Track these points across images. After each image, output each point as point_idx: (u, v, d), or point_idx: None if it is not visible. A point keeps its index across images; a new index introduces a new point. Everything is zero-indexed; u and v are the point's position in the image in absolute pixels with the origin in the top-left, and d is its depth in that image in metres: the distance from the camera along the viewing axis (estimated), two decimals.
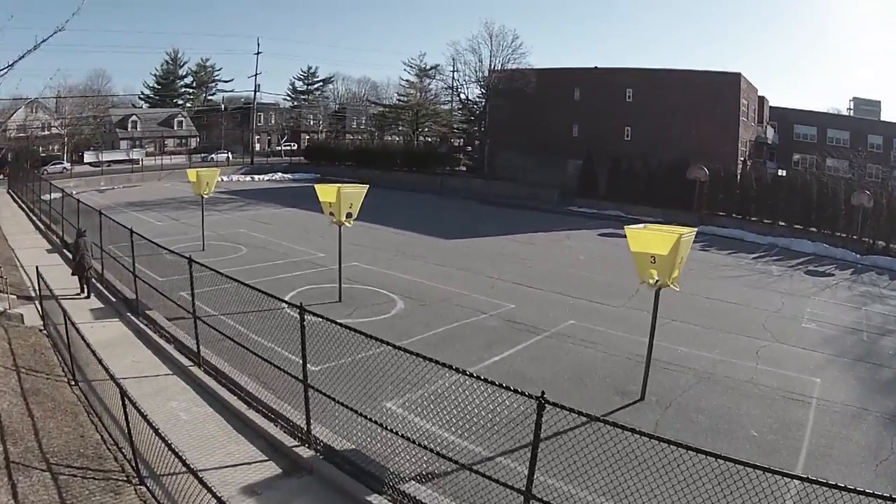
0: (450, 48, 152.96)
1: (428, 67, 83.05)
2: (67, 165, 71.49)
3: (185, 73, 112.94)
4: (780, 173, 49.75)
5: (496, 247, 30.31)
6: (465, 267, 25.02)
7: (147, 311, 17.66)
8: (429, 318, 17.48)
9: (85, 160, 76.86)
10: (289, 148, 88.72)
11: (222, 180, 60.44)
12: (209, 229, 30.19)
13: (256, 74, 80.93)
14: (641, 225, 13.33)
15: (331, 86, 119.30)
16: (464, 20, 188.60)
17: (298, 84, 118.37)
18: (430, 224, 36.89)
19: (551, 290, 21.97)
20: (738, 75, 48.52)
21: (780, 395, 13.45)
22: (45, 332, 16.51)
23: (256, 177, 65.14)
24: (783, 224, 38.44)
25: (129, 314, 17.67)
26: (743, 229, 38.81)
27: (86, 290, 20.24)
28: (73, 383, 12.80)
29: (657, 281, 12.54)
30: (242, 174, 66.80)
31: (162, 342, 15.28)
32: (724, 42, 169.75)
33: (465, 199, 52.18)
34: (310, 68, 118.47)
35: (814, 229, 37.08)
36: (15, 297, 19.04)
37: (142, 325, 16.66)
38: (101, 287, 20.78)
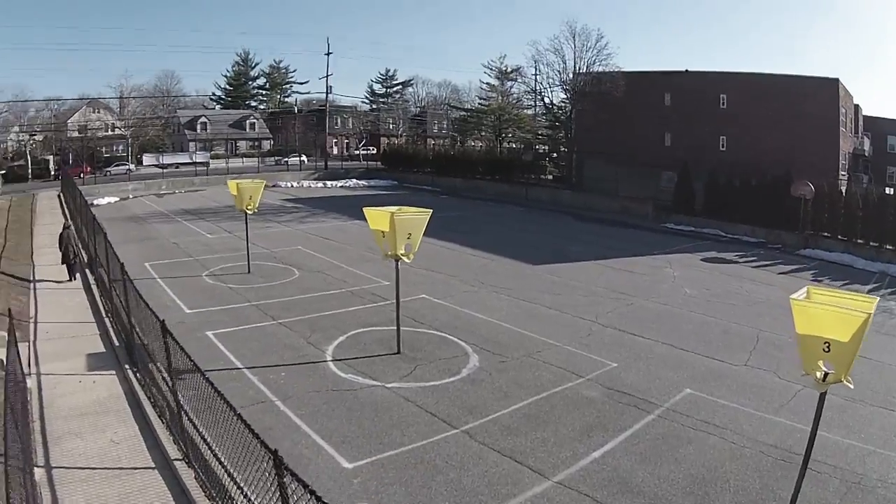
0: (530, 48, 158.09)
1: (508, 70, 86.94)
2: (132, 167, 76.31)
3: (256, 75, 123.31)
4: (887, 191, 47.53)
5: (591, 275, 28.45)
6: (556, 303, 23.13)
7: (151, 364, 15.63)
8: (509, 383, 15.47)
9: (144, 162, 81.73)
10: (367, 152, 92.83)
11: (291, 186, 62.83)
12: (263, 245, 31.34)
13: (328, 76, 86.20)
14: (803, 290, 10.15)
15: (410, 89, 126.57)
16: (545, 19, 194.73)
17: (377, 87, 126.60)
18: (515, 243, 35.59)
19: (659, 338, 19.71)
20: (835, 81, 47.94)
21: None
22: (25, 384, 14.64)
23: (329, 183, 66.85)
24: (890, 248, 36.85)
25: (126, 365, 15.92)
26: (850, 253, 37.42)
27: (72, 277, 23.96)
28: (28, 471, 10.71)
29: (826, 375, 9.43)
30: (314, 179, 68.83)
31: (152, 415, 13.23)
32: (795, 42, 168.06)
33: (552, 212, 51.30)
34: (388, 70, 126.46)
35: None
36: (4, 334, 17.44)
37: (136, 385, 14.79)
38: (108, 323, 19.38)
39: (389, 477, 10.91)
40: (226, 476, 9.37)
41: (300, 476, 5.55)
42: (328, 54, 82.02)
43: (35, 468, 11.09)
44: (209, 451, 9.92)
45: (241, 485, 8.56)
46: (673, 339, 19.62)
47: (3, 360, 15.79)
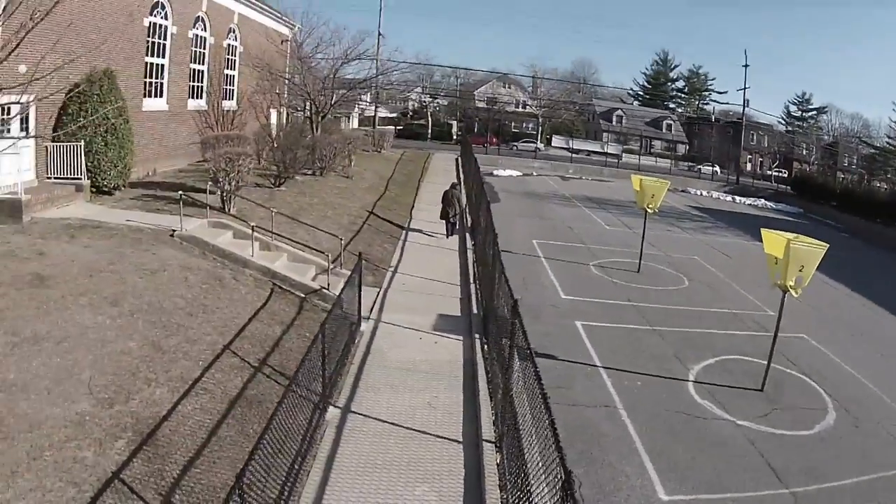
0: None
1: None
2: (540, 146, 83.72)
3: (675, 77, 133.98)
4: None
5: None
6: None
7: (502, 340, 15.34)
8: (854, 452, 14.71)
9: (553, 143, 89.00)
10: (778, 174, 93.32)
11: (700, 194, 66.25)
12: (661, 248, 32.39)
13: (745, 89, 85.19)
14: None
15: (824, 116, 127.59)
16: None
17: (793, 108, 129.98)
18: None
19: None
20: None
21: None
22: (358, 326, 15.21)
23: (738, 198, 69.89)
24: None
25: (477, 335, 15.99)
26: None
27: (449, 234, 27.12)
28: (322, 407, 10.76)
29: None
30: (724, 192, 72.10)
31: (483, 390, 12.97)
32: None
33: None
34: (804, 94, 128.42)
35: None
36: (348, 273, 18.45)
37: (479, 357, 14.68)
38: (473, 289, 19.92)
39: None
40: (521, 471, 8.61)
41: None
42: (745, 66, 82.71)
43: (331, 406, 11.15)
44: (516, 442, 9.29)
45: (531, 486, 7.98)
46: None
47: (342, 300, 16.57)
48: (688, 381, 16.69)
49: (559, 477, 6.33)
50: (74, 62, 16.45)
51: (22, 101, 10.87)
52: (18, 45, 10.11)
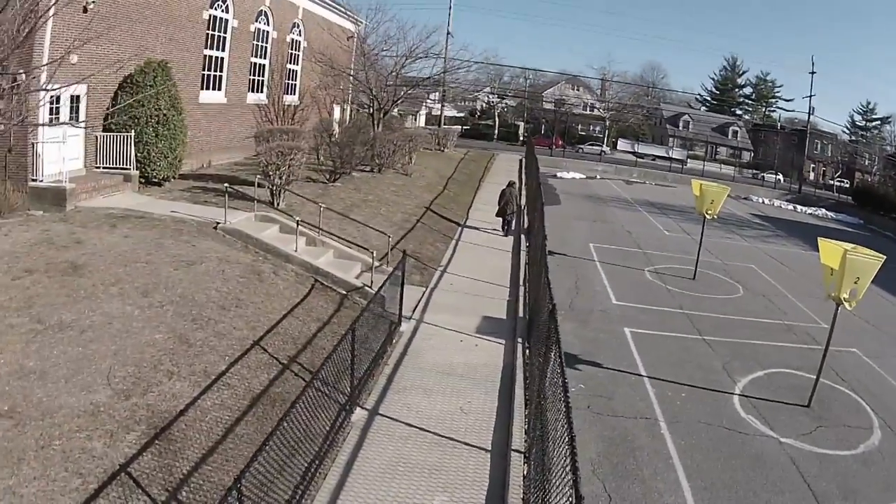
0: None
1: None
2: (606, 149, 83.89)
3: (743, 83, 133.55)
4: None
5: None
6: None
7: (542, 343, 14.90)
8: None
9: (618, 147, 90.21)
10: (840, 184, 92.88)
11: (762, 202, 65.91)
12: (718, 256, 32.02)
13: (811, 96, 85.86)
14: None
15: (887, 126, 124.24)
16: None
17: (857, 118, 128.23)
18: None
19: None
20: None
21: None
22: (398, 326, 14.96)
23: (799, 207, 70.24)
24: None
25: (520, 339, 15.55)
26: None
27: (504, 230, 27.66)
28: (348, 408, 10.51)
29: None
30: (786, 201, 72.11)
31: (519, 397, 12.47)
32: None
33: None
34: (868, 103, 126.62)
35: None
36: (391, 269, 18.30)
37: (519, 362, 14.21)
38: (521, 292, 19.52)
39: None
40: (543, 487, 8.12)
41: None
42: (812, 73, 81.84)
43: (358, 408, 10.89)
44: (542, 454, 8.83)
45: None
46: None
47: (384, 298, 16.30)
48: (734, 394, 16.35)
49: (570, 501, 5.89)
50: (126, 52, 16.52)
51: (48, 88, 10.72)
52: (40, 21, 10.03)
